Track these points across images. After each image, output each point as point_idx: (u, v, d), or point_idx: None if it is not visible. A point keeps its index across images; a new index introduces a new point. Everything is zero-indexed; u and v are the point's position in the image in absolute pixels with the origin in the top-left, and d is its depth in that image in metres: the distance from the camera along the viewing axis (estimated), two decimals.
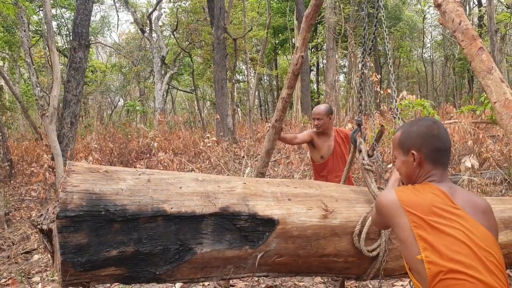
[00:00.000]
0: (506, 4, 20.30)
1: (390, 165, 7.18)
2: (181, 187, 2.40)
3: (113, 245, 2.16)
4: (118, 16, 39.46)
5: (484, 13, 19.08)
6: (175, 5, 21.70)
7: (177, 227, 2.28)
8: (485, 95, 7.07)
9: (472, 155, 7.10)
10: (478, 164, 7.06)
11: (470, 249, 1.63)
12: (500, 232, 3.06)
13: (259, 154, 6.28)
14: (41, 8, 15.56)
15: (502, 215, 3.12)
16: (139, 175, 2.42)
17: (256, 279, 4.21)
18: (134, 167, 9.22)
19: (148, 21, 19.81)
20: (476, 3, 24.11)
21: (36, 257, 5.48)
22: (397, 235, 1.79)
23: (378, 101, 15.12)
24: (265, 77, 29.48)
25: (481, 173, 7.50)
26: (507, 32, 21.06)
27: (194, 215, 2.30)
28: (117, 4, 23.96)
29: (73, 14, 15.83)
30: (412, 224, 1.67)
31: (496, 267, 1.68)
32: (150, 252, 2.23)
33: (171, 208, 2.28)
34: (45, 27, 10.24)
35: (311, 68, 25.96)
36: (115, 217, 2.16)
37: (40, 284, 4.52)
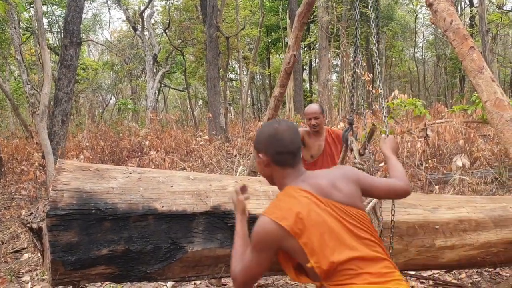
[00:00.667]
0: (497, 5, 20.45)
1: (381, 164, 7.21)
2: (172, 186, 2.40)
3: (104, 243, 2.15)
4: (110, 13, 39.29)
5: (476, 13, 19.21)
6: (168, 3, 21.63)
7: (168, 225, 2.28)
8: (476, 94, 7.13)
9: (463, 154, 7.15)
10: (469, 163, 7.11)
11: (337, 233, 1.70)
12: (490, 231, 3.08)
13: (251, 153, 6.28)
14: (31, 5, 15.43)
15: (492, 214, 3.14)
16: (130, 173, 2.41)
17: None
18: (126, 166, 9.18)
19: (140, 19, 19.72)
20: (468, 3, 24.30)
21: (26, 256, 5.43)
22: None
23: (370, 100, 15.18)
24: (258, 76, 29.47)
25: (472, 172, 7.55)
26: (498, 32, 21.23)
27: (185, 214, 2.30)
28: (109, 2, 23.82)
29: (64, 11, 15.74)
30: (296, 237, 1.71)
31: (366, 233, 1.78)
32: (141, 250, 2.22)
33: (162, 207, 2.27)
34: (36, 24, 10.15)
35: (304, 67, 25.99)
36: (106, 216, 2.15)
37: (30, 283, 4.48)
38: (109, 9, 24.36)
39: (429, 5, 2.25)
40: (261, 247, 1.73)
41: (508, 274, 4.12)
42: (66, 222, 2.07)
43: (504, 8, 20.72)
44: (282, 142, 1.84)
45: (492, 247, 3.08)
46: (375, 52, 2.88)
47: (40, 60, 13.50)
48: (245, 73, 25.57)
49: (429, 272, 4.05)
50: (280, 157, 1.84)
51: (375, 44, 3.00)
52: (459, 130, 7.85)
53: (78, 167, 2.31)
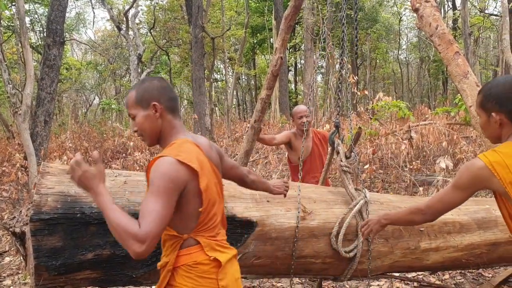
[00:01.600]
0: (479, 8, 20.78)
1: (366, 166, 7.26)
2: None
3: (89, 248, 2.13)
4: (94, 13, 38.81)
5: (458, 16, 19.49)
6: (152, 2, 21.47)
7: None
8: (460, 96, 7.22)
9: (447, 156, 7.24)
10: (452, 165, 7.20)
11: (216, 189, 1.85)
12: (473, 233, 3.13)
13: (237, 154, 6.26)
14: (13, 3, 15.17)
15: (476, 216, 3.19)
16: (116, 176, 2.39)
17: None
18: (110, 167, 9.10)
19: (124, 19, 19.53)
20: (451, 6, 24.61)
21: (7, 259, 5.34)
22: None
23: (354, 102, 15.28)
24: (243, 77, 29.45)
25: (455, 174, 7.64)
26: (480, 35, 21.56)
27: None
28: (93, 1, 23.58)
29: (47, 10, 15.50)
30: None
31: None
32: (126, 255, 2.18)
33: None
34: (18, 23, 9.99)
35: (289, 69, 26.05)
36: (91, 220, 2.12)
37: (11, 287, 4.41)
38: (93, 8, 24.09)
39: (415, 10, 2.27)
40: (170, 190, 1.65)
41: (490, 275, 4.18)
42: (50, 226, 2.04)
43: (486, 11, 21.07)
44: (171, 90, 1.90)
45: (476, 248, 3.12)
46: (355, 53, 2.90)
47: (22, 59, 13.30)
48: (230, 73, 25.55)
49: (413, 274, 4.09)
50: (172, 104, 1.87)
51: (356, 45, 3.02)
52: (443, 132, 7.95)
53: (62, 170, 2.28)
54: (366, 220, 2.37)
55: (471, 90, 2.03)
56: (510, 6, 13.53)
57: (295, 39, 22.10)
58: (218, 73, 27.27)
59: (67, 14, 10.77)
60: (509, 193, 1.76)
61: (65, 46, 13.13)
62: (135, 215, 2.20)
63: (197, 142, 1.86)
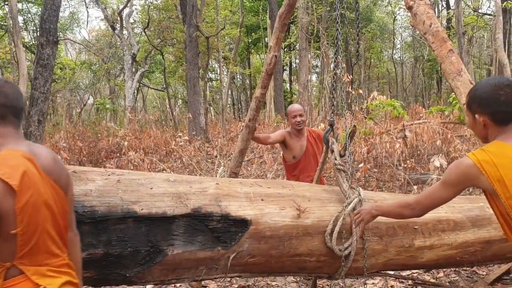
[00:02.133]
0: (473, 8, 20.88)
1: (361, 165, 7.27)
2: (152, 188, 2.37)
3: (82, 247, 2.11)
4: (88, 12, 38.73)
5: (452, 16, 19.57)
6: (147, 2, 21.43)
7: (147, 228, 2.25)
8: (454, 95, 7.25)
9: (441, 154, 7.25)
10: (446, 164, 7.22)
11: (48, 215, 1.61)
12: (467, 231, 3.13)
13: (232, 154, 6.26)
14: (6, 2, 15.08)
15: (470, 214, 3.19)
16: (109, 175, 2.37)
17: (229, 279, 4.19)
18: (104, 167, 9.06)
19: (118, 18, 19.49)
20: (445, 5, 24.71)
21: None
22: None
23: (349, 101, 15.31)
24: (238, 76, 29.43)
25: None
26: (473, 34, 21.65)
27: (165, 216, 2.27)
28: (86, 0, 23.49)
29: (40, 9, 15.42)
30: None
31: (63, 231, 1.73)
32: (120, 254, 2.19)
33: (142, 209, 2.24)
34: (11, 22, 9.93)
35: (284, 68, 26.06)
36: (84, 219, 2.11)
37: None
38: (86, 7, 24.02)
39: (409, 8, 2.27)
40: None
41: (485, 273, 4.20)
42: None
43: (480, 11, 21.18)
44: (5, 95, 1.66)
45: (470, 246, 3.13)
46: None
47: (15, 58, 13.22)
48: (225, 73, 25.52)
49: (408, 272, 4.09)
50: (2, 110, 1.65)
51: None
52: (437, 131, 7.98)
53: None
54: (358, 209, 2.46)
55: (465, 88, 2.04)
56: (503, 5, 13.61)
57: (290, 38, 22.11)
58: (213, 72, 27.24)
59: (60, 14, 10.72)
60: (497, 191, 1.78)
61: (59, 46, 13.07)
62: (128, 214, 2.21)
63: (32, 154, 1.64)
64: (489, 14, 21.62)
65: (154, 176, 2.53)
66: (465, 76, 2.04)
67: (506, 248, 3.28)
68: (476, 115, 1.90)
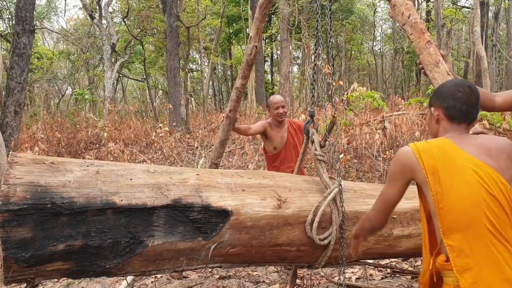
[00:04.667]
0: (452, 0, 21.12)
1: (341, 155, 7.34)
2: (131, 179, 2.35)
3: (60, 239, 2.09)
4: (65, 0, 37.90)
5: (432, 8, 19.78)
6: None
7: (127, 219, 2.23)
8: (432, 87, 7.35)
9: None
10: None
11: None
12: None
13: (213, 145, 6.25)
14: None
15: None
16: (87, 166, 2.34)
17: (210, 270, 4.20)
18: (83, 158, 8.94)
19: (97, 7, 19.15)
20: None
21: None
22: None
23: (330, 92, 15.37)
24: (219, 67, 29.28)
25: None
26: (452, 27, 21.94)
27: (145, 207, 2.26)
28: None
29: None
30: None
31: None
32: (99, 245, 2.17)
33: (121, 201, 2.22)
34: None
35: (265, 59, 26.02)
36: (62, 210, 2.08)
37: None
38: None
39: None
40: None
41: None
42: (19, 217, 1.99)
43: (458, 4, 21.45)
44: None
45: None
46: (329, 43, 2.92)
47: None
48: (206, 63, 25.35)
49: (386, 261, 4.16)
50: None
51: (328, 34, 3.04)
52: (415, 122, 8.09)
53: (32, 160, 2.22)
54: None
55: (443, 79, 2.07)
56: None
57: (271, 29, 22.06)
58: (194, 63, 27.02)
59: (37, 2, 10.46)
60: (429, 182, 1.76)
61: (36, 35, 12.78)
62: (107, 205, 2.19)
63: None
64: (468, 7, 21.92)
65: (134, 167, 2.51)
66: (443, 67, 2.07)
67: None
68: (432, 109, 1.94)
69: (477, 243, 1.67)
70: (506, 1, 20.01)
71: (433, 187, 1.75)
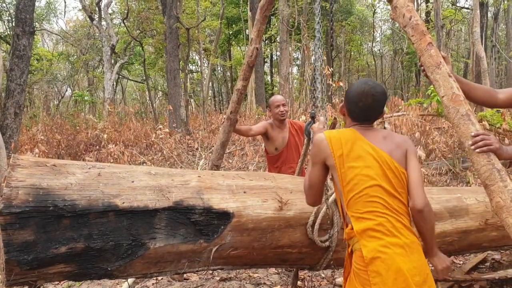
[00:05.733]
0: (451, 1, 21.14)
1: None
2: (133, 181, 2.35)
3: (62, 241, 2.09)
4: (65, 2, 37.89)
5: (431, 9, 19.78)
6: None
7: (129, 222, 2.23)
8: (432, 88, 7.35)
9: (420, 146, 7.37)
10: (425, 155, 7.35)
11: None
12: (446, 221, 3.20)
13: (213, 146, 6.25)
14: None
15: (448, 205, 3.26)
16: (89, 169, 2.35)
17: (211, 272, 4.20)
18: (83, 160, 8.95)
19: (97, 8, 19.15)
20: None
21: None
22: None
23: (330, 93, 15.39)
24: (219, 68, 29.29)
25: (428, 164, 7.80)
26: (452, 27, 21.95)
27: (147, 210, 2.26)
28: None
29: None
30: None
31: None
32: (101, 248, 2.17)
33: (123, 203, 2.22)
34: None
35: (265, 60, 26.03)
36: (64, 213, 2.08)
37: None
38: None
39: (389, 1, 2.28)
40: None
41: (461, 262, 4.30)
42: (22, 220, 1.99)
43: (458, 4, 21.47)
44: None
45: (448, 236, 3.19)
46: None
47: None
48: (206, 65, 25.36)
49: None
50: None
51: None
52: (415, 123, 8.09)
53: (34, 162, 2.22)
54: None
55: (444, 81, 2.07)
56: None
57: (271, 30, 22.07)
58: (194, 64, 27.03)
59: (36, 3, 10.46)
60: (336, 165, 2.06)
61: (35, 37, 12.78)
62: (109, 207, 2.19)
63: None
64: (467, 8, 21.94)
65: (136, 169, 2.51)
66: (444, 69, 2.07)
67: (482, 237, 3.36)
68: (344, 103, 2.24)
69: (372, 210, 2.00)
70: (506, 2, 20.05)
71: (339, 168, 2.06)
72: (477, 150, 1.97)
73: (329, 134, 2.14)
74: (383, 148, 2.09)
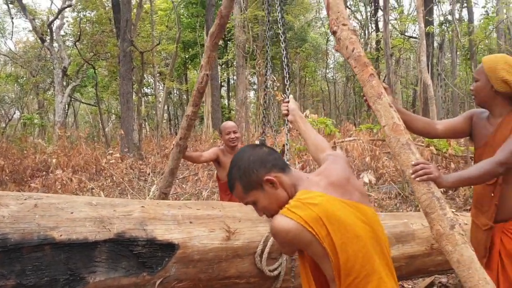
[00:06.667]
0: (400, 31, 22.09)
1: None
2: (72, 212, 2.24)
3: None
4: (13, 23, 36.64)
5: (381, 38, 20.58)
6: (79, 14, 20.72)
7: (67, 255, 2.13)
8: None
9: (370, 170, 7.53)
10: (375, 179, 7.50)
11: None
12: (392, 247, 3.24)
13: (164, 171, 6.12)
14: None
15: (394, 230, 3.31)
16: (25, 199, 2.23)
17: None
18: (29, 186, 8.55)
19: (48, 30, 18.69)
20: (374, 28, 25.95)
21: None
22: None
23: (285, 118, 15.55)
24: (175, 91, 29.11)
25: (378, 188, 7.97)
26: (400, 56, 22.87)
27: (86, 242, 2.16)
28: (13, 10, 22.30)
29: None
30: None
31: None
32: (35, 284, 2.05)
33: (61, 236, 2.11)
34: None
35: (222, 84, 26.13)
36: None
37: None
38: (12, 18, 22.68)
39: (333, 33, 2.34)
40: None
41: (410, 286, 4.36)
42: None
43: (406, 34, 22.46)
44: None
45: (395, 262, 3.21)
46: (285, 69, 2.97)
47: None
48: (161, 88, 25.15)
49: None
50: None
51: (284, 62, 3.10)
52: (366, 148, 8.29)
53: None
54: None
55: (385, 111, 2.13)
56: (426, 29, 14.53)
57: (228, 55, 22.25)
58: (148, 87, 26.75)
59: None
60: (327, 251, 1.57)
61: None
62: (45, 241, 2.07)
63: None
64: (415, 37, 22.97)
65: (76, 199, 2.41)
66: (385, 99, 2.13)
67: (428, 262, 3.43)
68: (264, 184, 1.73)
69: None
70: (450, 33, 21.14)
71: (331, 253, 1.58)
72: (417, 178, 2.00)
73: (302, 218, 1.58)
74: (358, 199, 1.77)
